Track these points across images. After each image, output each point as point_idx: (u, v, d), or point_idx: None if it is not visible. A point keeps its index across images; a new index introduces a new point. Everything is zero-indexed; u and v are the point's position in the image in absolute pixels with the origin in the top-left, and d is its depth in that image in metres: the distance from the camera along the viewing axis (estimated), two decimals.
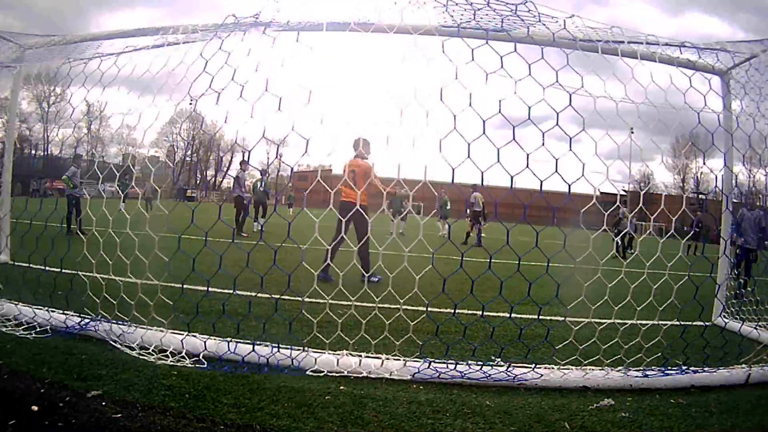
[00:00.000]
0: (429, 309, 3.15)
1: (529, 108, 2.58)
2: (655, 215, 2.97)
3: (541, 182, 2.45)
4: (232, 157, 51.50)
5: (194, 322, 2.78)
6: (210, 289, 2.95)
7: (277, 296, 3.44)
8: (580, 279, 2.65)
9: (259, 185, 12.01)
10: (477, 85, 2.53)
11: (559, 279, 2.59)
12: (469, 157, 2.44)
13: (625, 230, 11.45)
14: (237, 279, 2.87)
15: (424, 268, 2.62)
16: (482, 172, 2.46)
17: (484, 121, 2.45)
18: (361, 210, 4.06)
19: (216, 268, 2.68)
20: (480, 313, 3.05)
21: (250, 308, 3.35)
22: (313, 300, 3.63)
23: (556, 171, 2.49)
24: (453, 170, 2.43)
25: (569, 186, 2.52)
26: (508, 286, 2.75)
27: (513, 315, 2.96)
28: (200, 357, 2.57)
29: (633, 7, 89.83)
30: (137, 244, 2.75)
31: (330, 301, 2.79)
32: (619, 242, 11.44)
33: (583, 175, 2.55)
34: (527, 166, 2.48)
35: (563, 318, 3.36)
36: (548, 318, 4.06)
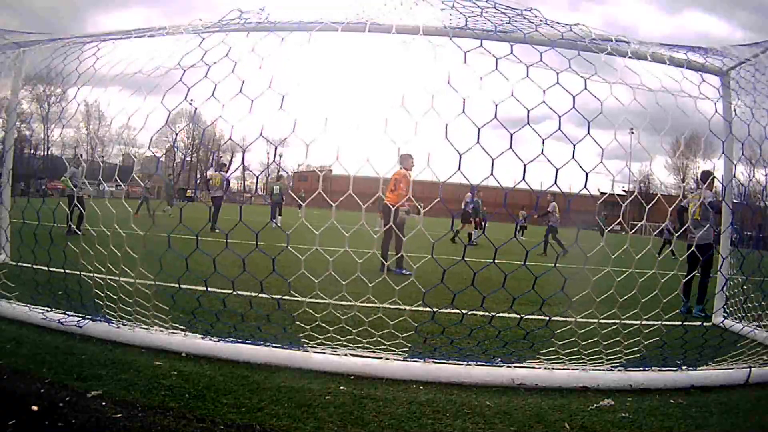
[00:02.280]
0: (426, 302, 3.14)
1: (544, 91, 2.53)
2: (627, 214, 2.97)
3: (557, 170, 2.42)
4: (231, 158, 51.48)
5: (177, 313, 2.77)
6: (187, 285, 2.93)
7: (262, 278, 3.42)
8: (588, 277, 2.65)
9: (275, 189, 14.50)
10: (483, 76, 2.53)
11: (561, 278, 2.59)
12: (478, 142, 2.41)
13: (551, 224, 11.27)
14: (218, 258, 2.84)
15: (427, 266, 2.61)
16: (493, 159, 2.42)
17: (496, 105, 2.45)
18: (393, 211, 5.02)
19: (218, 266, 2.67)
20: (469, 313, 3.03)
21: (234, 289, 3.32)
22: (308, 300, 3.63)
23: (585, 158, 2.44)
24: (460, 156, 2.41)
25: (585, 175, 2.47)
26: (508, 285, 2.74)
27: (510, 311, 2.94)
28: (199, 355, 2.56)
29: (631, 5, 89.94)
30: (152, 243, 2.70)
31: (331, 302, 2.79)
32: (547, 237, 11.27)
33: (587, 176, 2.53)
34: (542, 152, 2.46)
35: (569, 318, 3.35)
36: (535, 317, 4.05)
